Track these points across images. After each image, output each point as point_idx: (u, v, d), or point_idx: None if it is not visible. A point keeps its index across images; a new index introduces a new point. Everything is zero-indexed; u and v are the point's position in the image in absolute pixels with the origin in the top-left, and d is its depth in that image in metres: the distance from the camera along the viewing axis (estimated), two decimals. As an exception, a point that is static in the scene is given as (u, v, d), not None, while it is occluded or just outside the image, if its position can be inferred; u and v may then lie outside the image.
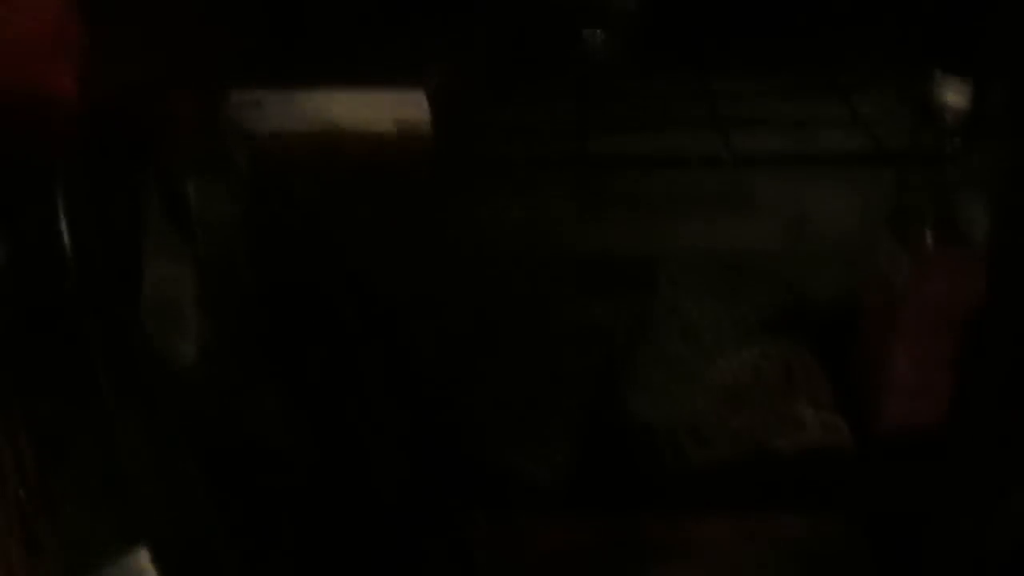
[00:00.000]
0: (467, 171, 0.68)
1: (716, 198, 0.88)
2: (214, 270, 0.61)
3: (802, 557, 0.74)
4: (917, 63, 0.66)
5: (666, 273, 0.88)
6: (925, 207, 0.72)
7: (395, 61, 0.66)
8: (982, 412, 0.75)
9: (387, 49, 0.68)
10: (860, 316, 0.81)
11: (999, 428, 0.76)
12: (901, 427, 0.77)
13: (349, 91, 0.62)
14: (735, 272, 0.88)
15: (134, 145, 0.59)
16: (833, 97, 0.71)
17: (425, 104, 0.60)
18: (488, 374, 0.82)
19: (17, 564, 0.50)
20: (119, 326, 0.56)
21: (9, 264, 0.49)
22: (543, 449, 0.79)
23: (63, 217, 0.50)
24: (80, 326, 0.52)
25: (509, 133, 0.69)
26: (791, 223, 0.87)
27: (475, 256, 0.82)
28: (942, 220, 0.71)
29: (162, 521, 0.56)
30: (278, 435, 0.66)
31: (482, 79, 0.72)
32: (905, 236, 0.74)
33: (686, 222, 0.87)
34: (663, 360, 0.85)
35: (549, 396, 0.82)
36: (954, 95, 0.64)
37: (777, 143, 0.72)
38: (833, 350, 0.84)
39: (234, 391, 0.63)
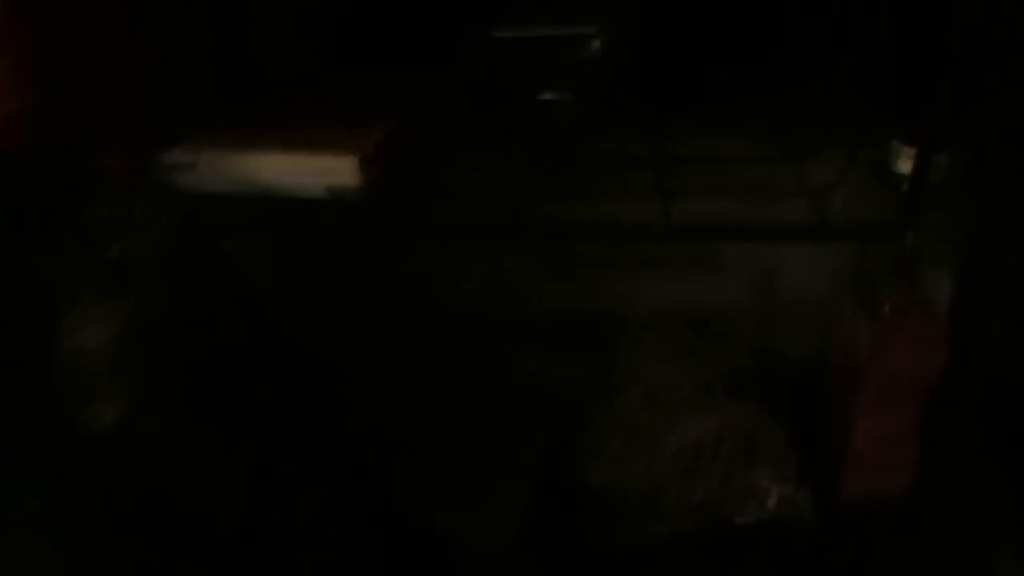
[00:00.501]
0: (397, 234, 0.66)
1: (681, 257, 0.86)
2: (139, 330, 0.60)
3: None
4: (874, 131, 0.64)
5: (628, 333, 0.86)
6: (886, 273, 0.70)
7: (332, 122, 0.65)
8: (948, 483, 0.72)
9: (325, 110, 0.67)
10: (826, 386, 0.78)
11: (966, 500, 0.73)
12: (863, 499, 0.74)
13: (281, 154, 0.61)
14: (700, 333, 0.85)
15: (62, 198, 0.59)
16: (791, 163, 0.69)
17: (356, 169, 0.59)
18: (438, 435, 0.80)
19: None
20: (31, 387, 0.55)
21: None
22: (492, 515, 0.76)
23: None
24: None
25: (456, 194, 0.67)
26: (759, 282, 0.85)
27: (430, 314, 0.81)
28: (903, 287, 0.68)
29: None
30: (206, 499, 0.64)
31: (432, 139, 0.70)
32: (867, 302, 0.71)
33: (649, 281, 0.85)
34: (621, 425, 0.82)
35: (501, 459, 0.80)
36: (910, 164, 0.62)
37: (737, 208, 0.70)
38: (800, 415, 0.81)
39: (159, 453, 0.61)
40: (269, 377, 0.66)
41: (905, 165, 0.63)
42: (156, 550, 0.62)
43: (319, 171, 0.59)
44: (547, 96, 0.71)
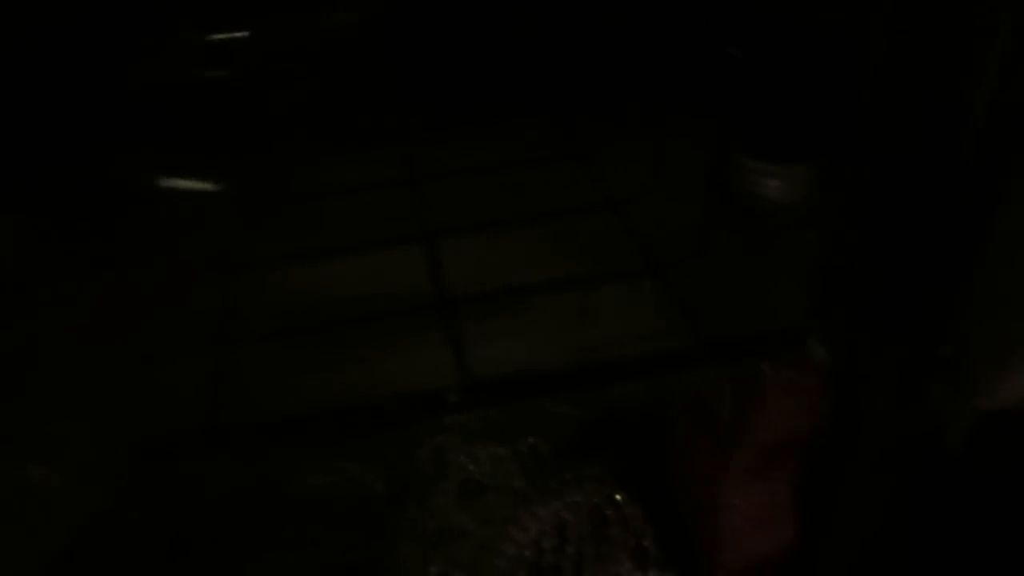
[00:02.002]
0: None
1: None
2: None
3: None
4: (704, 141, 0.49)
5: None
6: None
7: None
8: (838, 546, 0.61)
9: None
10: (677, 444, 0.64)
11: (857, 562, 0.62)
12: (742, 571, 0.61)
13: None
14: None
15: None
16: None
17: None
18: (222, 550, 0.57)
19: None
20: None
21: None
22: None
23: None
24: None
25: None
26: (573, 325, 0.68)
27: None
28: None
29: None
30: None
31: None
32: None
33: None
34: (438, 533, 0.64)
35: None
36: (763, 182, 0.47)
37: (533, 235, 0.53)
38: (650, 480, 0.66)
39: None
40: None
41: (753, 181, 0.48)
42: None
43: None
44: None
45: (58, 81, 0.50)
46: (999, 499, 0.64)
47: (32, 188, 0.52)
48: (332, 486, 0.67)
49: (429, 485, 0.65)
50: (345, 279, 0.44)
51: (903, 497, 0.56)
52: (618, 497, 0.64)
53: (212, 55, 0.51)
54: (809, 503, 0.59)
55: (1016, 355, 0.54)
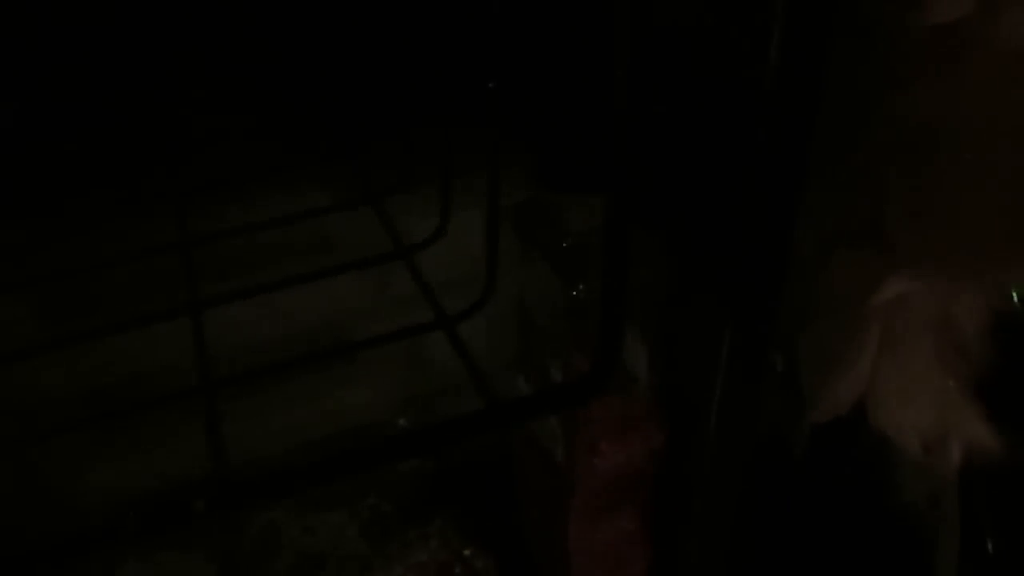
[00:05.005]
0: None
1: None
2: None
3: None
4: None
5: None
6: (560, 346, 0.53)
7: None
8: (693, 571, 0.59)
9: None
10: (522, 488, 0.61)
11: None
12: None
13: None
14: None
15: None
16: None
17: None
18: None
19: None
20: None
21: None
22: None
23: None
24: None
25: None
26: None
27: None
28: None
29: None
30: None
31: None
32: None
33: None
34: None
35: None
36: (564, 215, 0.45)
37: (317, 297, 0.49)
38: (498, 527, 0.63)
39: None
40: None
41: (570, 216, 0.45)
42: None
43: None
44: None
45: None
46: (841, 502, 0.65)
47: None
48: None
49: (262, 566, 0.60)
50: (112, 364, 0.39)
51: (750, 511, 0.55)
52: (466, 552, 0.61)
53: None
54: (659, 533, 0.57)
55: (836, 364, 0.54)
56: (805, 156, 0.38)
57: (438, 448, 0.41)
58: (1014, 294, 0.51)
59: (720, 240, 0.44)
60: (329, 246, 0.58)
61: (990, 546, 0.60)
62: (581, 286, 0.47)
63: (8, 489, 0.48)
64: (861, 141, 0.48)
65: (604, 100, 0.28)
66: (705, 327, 0.45)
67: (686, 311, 0.46)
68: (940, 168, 0.45)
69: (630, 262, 0.40)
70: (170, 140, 0.44)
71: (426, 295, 0.38)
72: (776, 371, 0.60)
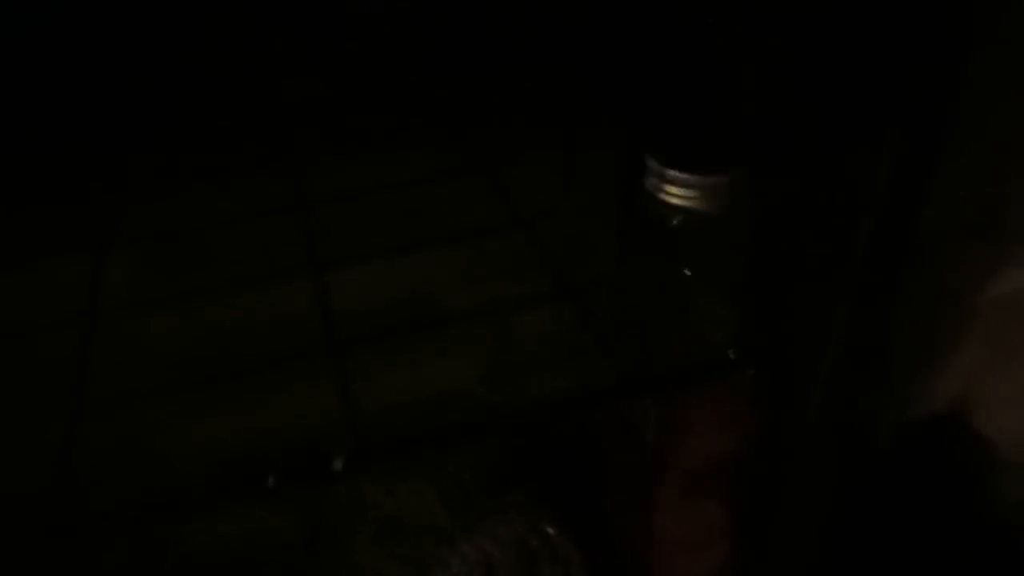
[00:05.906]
0: None
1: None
2: None
3: None
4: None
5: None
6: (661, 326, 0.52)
7: None
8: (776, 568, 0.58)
9: None
10: (607, 467, 0.61)
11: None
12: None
13: None
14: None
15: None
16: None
17: None
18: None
19: None
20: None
21: None
22: None
23: None
24: None
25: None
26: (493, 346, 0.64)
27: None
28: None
29: None
30: None
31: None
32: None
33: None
34: (358, 579, 0.60)
35: None
36: (676, 191, 0.44)
37: (429, 260, 0.50)
38: (580, 507, 0.63)
39: None
40: None
41: (672, 192, 0.45)
42: None
43: None
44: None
45: None
46: (928, 500, 0.63)
47: None
48: (243, 534, 0.62)
49: (345, 528, 0.61)
50: (225, 321, 0.40)
51: (839, 509, 0.54)
52: (545, 527, 0.61)
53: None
54: (744, 524, 0.56)
55: (937, 360, 0.52)
56: (941, 137, 0.37)
57: (569, 417, 0.41)
58: None
59: (836, 223, 0.42)
60: (423, 216, 0.58)
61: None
62: (688, 268, 0.46)
63: (111, 444, 0.49)
64: (985, 129, 0.47)
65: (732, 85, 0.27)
66: (816, 312, 0.44)
67: (796, 295, 0.45)
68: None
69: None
70: (292, 109, 0.44)
71: (544, 266, 0.37)
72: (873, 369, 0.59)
